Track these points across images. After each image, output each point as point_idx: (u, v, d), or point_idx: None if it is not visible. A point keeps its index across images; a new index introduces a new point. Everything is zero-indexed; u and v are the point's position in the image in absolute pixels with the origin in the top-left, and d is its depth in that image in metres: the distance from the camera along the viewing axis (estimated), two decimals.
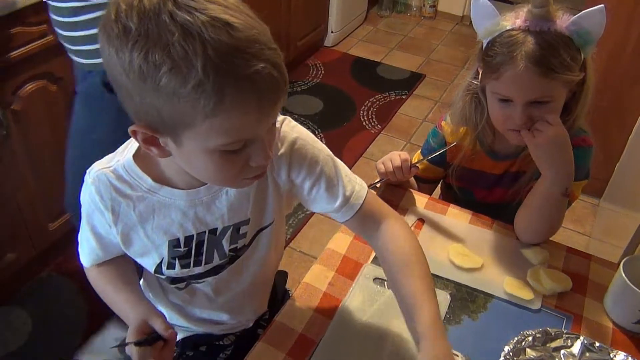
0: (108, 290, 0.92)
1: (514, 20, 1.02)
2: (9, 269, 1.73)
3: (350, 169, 0.92)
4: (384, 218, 0.91)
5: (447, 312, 0.97)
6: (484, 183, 1.26)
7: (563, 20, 0.99)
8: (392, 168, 1.16)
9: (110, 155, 0.85)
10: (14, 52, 1.50)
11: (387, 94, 3.19)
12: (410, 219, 1.16)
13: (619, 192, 2.21)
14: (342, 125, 2.89)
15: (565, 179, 1.04)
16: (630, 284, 0.94)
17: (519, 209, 1.14)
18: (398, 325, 0.93)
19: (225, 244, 0.88)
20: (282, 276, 1.19)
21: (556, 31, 0.99)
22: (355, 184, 0.91)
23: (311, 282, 1.00)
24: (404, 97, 3.19)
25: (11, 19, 1.46)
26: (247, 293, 1.00)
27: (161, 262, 0.88)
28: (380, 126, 2.92)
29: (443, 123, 1.26)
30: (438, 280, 1.03)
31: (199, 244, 0.87)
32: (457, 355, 0.89)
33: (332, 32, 3.56)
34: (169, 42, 0.59)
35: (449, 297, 0.99)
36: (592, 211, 2.45)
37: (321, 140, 0.92)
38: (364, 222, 0.91)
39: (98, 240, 0.88)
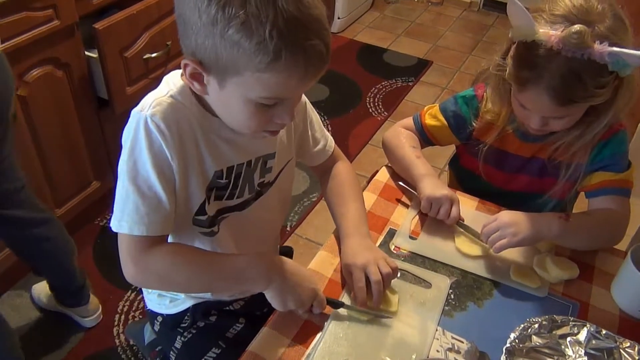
0: (205, 259, 0.89)
1: (549, 34, 0.92)
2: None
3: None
4: (337, 160, 1.14)
5: (452, 299, 0.97)
6: (508, 166, 1.20)
7: (600, 48, 0.89)
8: (436, 214, 1.10)
9: (152, 92, 0.85)
10: (20, 37, 1.49)
11: (394, 81, 3.18)
12: (418, 206, 1.15)
13: None
14: (348, 112, 2.87)
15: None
16: (638, 272, 0.94)
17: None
18: (402, 310, 0.93)
19: (256, 177, 0.97)
20: (287, 251, 1.26)
21: (589, 58, 0.90)
22: (328, 134, 1.12)
23: (317, 269, 1.00)
24: (410, 83, 3.17)
25: (16, 3, 1.45)
26: (261, 246, 1.08)
27: (204, 200, 0.90)
28: (386, 113, 2.90)
29: (486, 94, 1.17)
30: (443, 267, 1.03)
31: (237, 176, 0.94)
32: (463, 342, 0.89)
33: (338, 18, 3.54)
34: (247, 0, 0.68)
35: (449, 281, 1.00)
36: None
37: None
38: (327, 163, 1.12)
39: (165, 187, 0.82)
